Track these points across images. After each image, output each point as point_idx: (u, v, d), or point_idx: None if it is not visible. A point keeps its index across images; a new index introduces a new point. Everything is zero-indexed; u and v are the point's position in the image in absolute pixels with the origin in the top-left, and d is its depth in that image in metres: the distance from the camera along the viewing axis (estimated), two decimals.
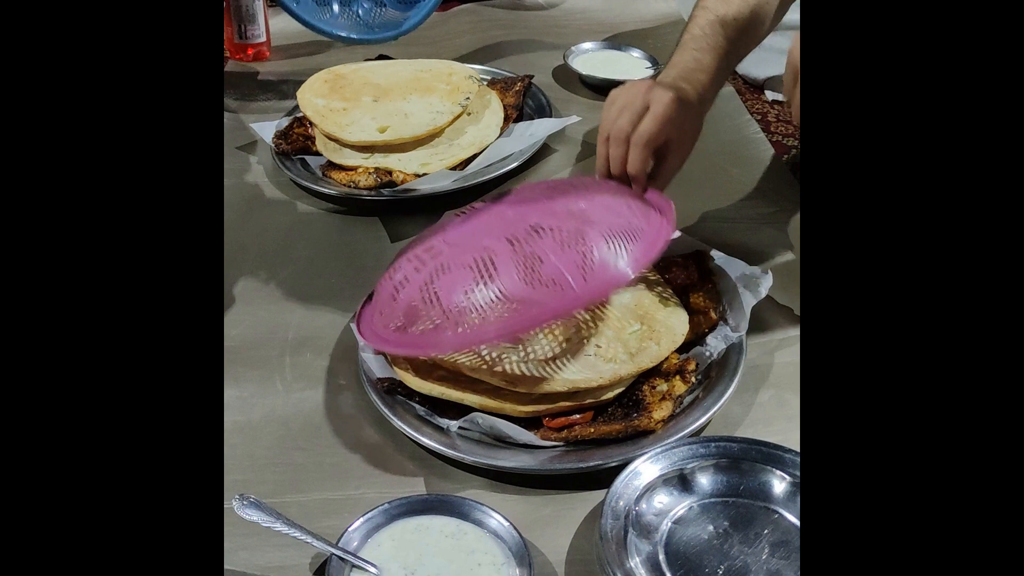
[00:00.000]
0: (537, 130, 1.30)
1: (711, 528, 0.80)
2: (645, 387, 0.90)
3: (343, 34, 1.44)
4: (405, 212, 1.21)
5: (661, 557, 0.78)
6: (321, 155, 1.29)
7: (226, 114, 1.45)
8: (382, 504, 0.80)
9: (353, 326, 0.95)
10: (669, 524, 0.80)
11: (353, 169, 1.26)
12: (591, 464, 0.85)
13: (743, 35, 1.07)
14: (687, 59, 1.04)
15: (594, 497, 0.84)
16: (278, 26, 1.60)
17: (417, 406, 0.91)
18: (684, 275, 1.01)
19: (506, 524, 0.78)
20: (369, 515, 0.79)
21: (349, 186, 1.24)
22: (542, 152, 1.30)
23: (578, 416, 0.88)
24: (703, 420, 0.88)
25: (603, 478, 0.84)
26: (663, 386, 0.90)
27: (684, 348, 0.97)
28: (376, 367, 0.94)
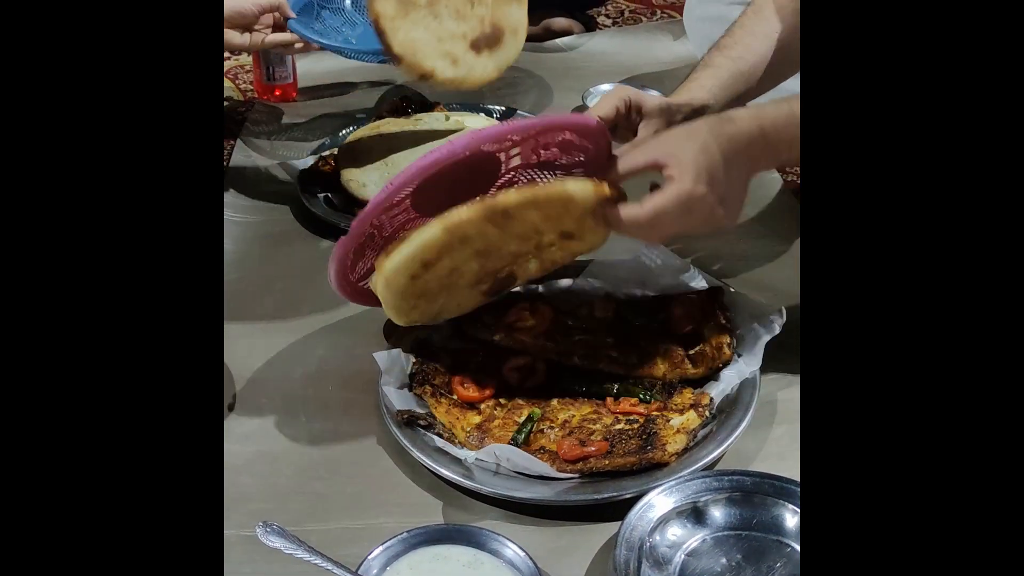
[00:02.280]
0: None
1: (724, 561, 0.81)
2: (659, 420, 0.92)
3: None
4: None
5: None
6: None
7: (253, 153, 1.49)
8: (401, 533, 0.82)
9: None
10: (683, 556, 0.81)
11: None
12: (606, 496, 0.86)
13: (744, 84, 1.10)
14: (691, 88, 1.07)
15: (608, 528, 0.85)
16: (304, 67, 1.65)
17: (436, 438, 0.93)
18: (699, 311, 1.03)
19: (522, 554, 0.79)
20: (388, 543, 0.81)
21: None
22: None
23: (593, 448, 0.89)
24: (716, 454, 0.89)
25: (617, 510, 0.85)
26: (677, 420, 0.92)
27: (698, 383, 0.99)
28: (396, 399, 0.97)
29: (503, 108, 1.52)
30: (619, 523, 0.82)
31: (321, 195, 1.33)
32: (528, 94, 1.62)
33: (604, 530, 0.85)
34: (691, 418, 0.92)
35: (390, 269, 0.91)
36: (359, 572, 0.79)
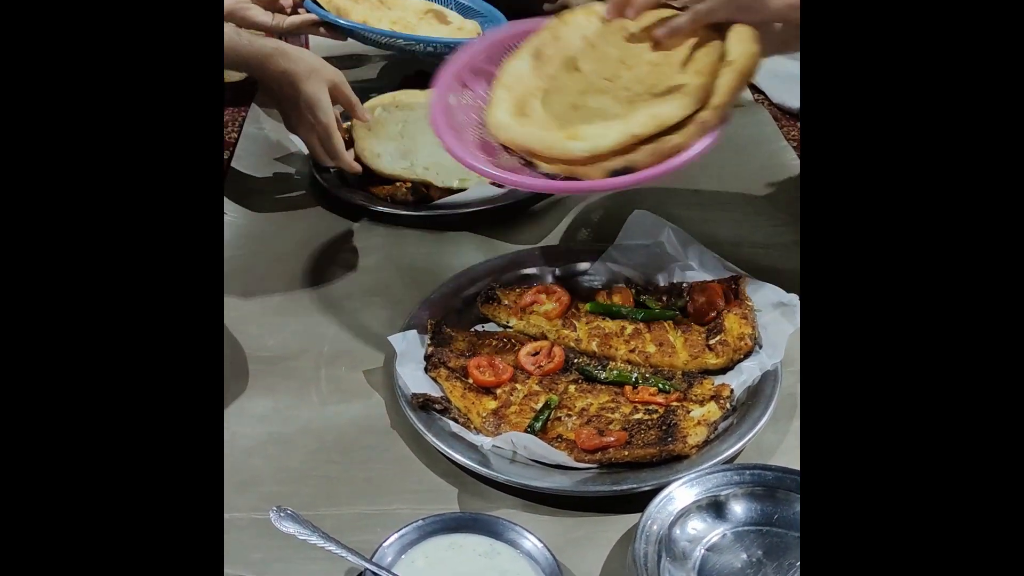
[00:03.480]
0: None
1: (744, 557, 0.80)
2: (680, 411, 0.90)
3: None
4: (441, 228, 1.22)
5: None
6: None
7: (265, 124, 1.47)
8: (416, 520, 0.80)
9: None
10: (702, 551, 0.80)
11: (391, 183, 1.27)
12: (625, 487, 0.85)
13: None
14: None
15: (627, 520, 0.84)
16: (315, 40, 1.62)
17: (451, 423, 0.92)
18: (720, 299, 1.01)
19: (540, 546, 0.78)
20: (403, 531, 0.80)
21: (387, 200, 1.25)
22: None
23: (612, 438, 0.88)
24: (737, 447, 0.88)
25: (636, 501, 0.84)
26: (698, 411, 0.90)
27: (719, 373, 0.97)
28: (411, 382, 0.95)
29: None
30: (637, 515, 0.81)
31: (333, 168, 1.31)
32: None
33: (622, 522, 0.84)
34: (712, 410, 0.90)
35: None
36: (373, 560, 0.77)
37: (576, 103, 0.96)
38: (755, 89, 1.57)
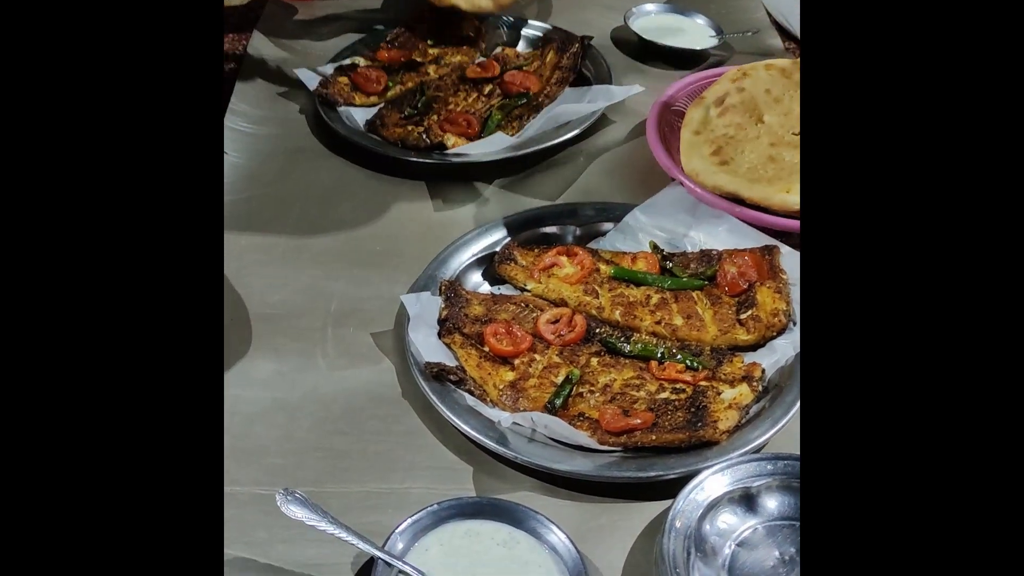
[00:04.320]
0: (596, 98, 1.23)
1: (776, 554, 0.75)
2: (710, 392, 0.85)
3: None
4: (454, 179, 1.15)
5: None
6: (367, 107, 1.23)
7: (267, 56, 1.38)
8: (430, 505, 0.76)
9: None
10: (732, 547, 0.76)
11: (403, 126, 1.19)
12: (651, 474, 0.80)
13: None
14: None
15: (652, 508, 0.80)
16: None
17: (467, 395, 0.87)
18: (753, 271, 0.96)
19: (563, 537, 0.74)
20: (417, 516, 0.75)
21: (397, 144, 1.17)
22: (599, 122, 1.23)
23: (638, 420, 0.83)
24: (770, 433, 0.83)
25: (661, 489, 0.79)
26: (729, 393, 0.85)
27: (749, 350, 0.92)
28: (424, 349, 0.89)
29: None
30: (663, 504, 0.77)
31: (341, 108, 1.23)
32: (566, 11, 1.50)
33: (647, 510, 0.80)
34: (744, 393, 0.85)
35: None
36: (385, 548, 0.73)
37: (772, 156, 1.07)
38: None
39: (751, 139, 1.11)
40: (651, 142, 1.11)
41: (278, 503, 0.73)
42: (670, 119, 1.17)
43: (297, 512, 0.73)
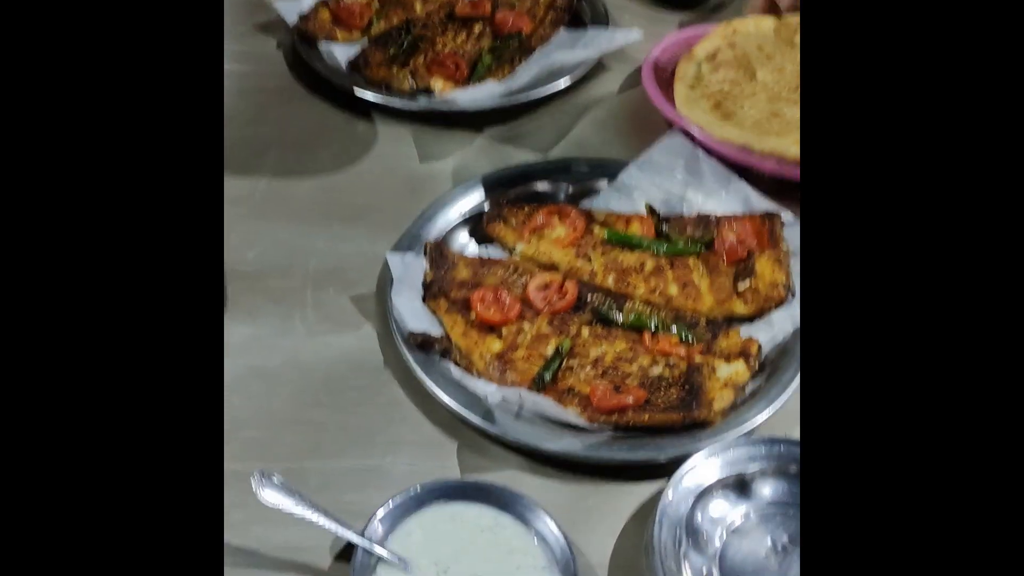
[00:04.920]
0: (592, 42, 1.17)
1: (769, 542, 0.73)
2: (705, 368, 0.82)
3: None
4: (440, 126, 1.10)
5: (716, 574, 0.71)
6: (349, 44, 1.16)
7: None
8: (413, 487, 0.73)
9: None
10: (725, 534, 0.74)
11: (388, 67, 1.13)
12: (642, 456, 0.77)
13: None
14: None
15: (641, 491, 0.77)
16: None
17: (453, 367, 0.83)
18: (752, 238, 0.92)
19: (551, 524, 0.71)
20: (398, 499, 0.72)
21: (381, 87, 1.11)
22: (594, 70, 1.17)
23: (630, 399, 0.80)
24: (766, 413, 0.80)
25: (652, 470, 0.77)
26: (725, 370, 0.82)
27: (746, 321, 0.89)
28: (408, 316, 0.85)
29: None
30: (653, 486, 0.75)
31: (322, 45, 1.16)
32: None
33: (636, 493, 0.77)
34: (740, 371, 0.82)
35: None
36: (366, 533, 0.70)
37: (774, 111, 1.04)
38: None
39: (748, 95, 1.07)
40: (651, 94, 1.06)
41: (253, 488, 0.69)
42: (661, 73, 1.11)
43: (273, 498, 0.69)
